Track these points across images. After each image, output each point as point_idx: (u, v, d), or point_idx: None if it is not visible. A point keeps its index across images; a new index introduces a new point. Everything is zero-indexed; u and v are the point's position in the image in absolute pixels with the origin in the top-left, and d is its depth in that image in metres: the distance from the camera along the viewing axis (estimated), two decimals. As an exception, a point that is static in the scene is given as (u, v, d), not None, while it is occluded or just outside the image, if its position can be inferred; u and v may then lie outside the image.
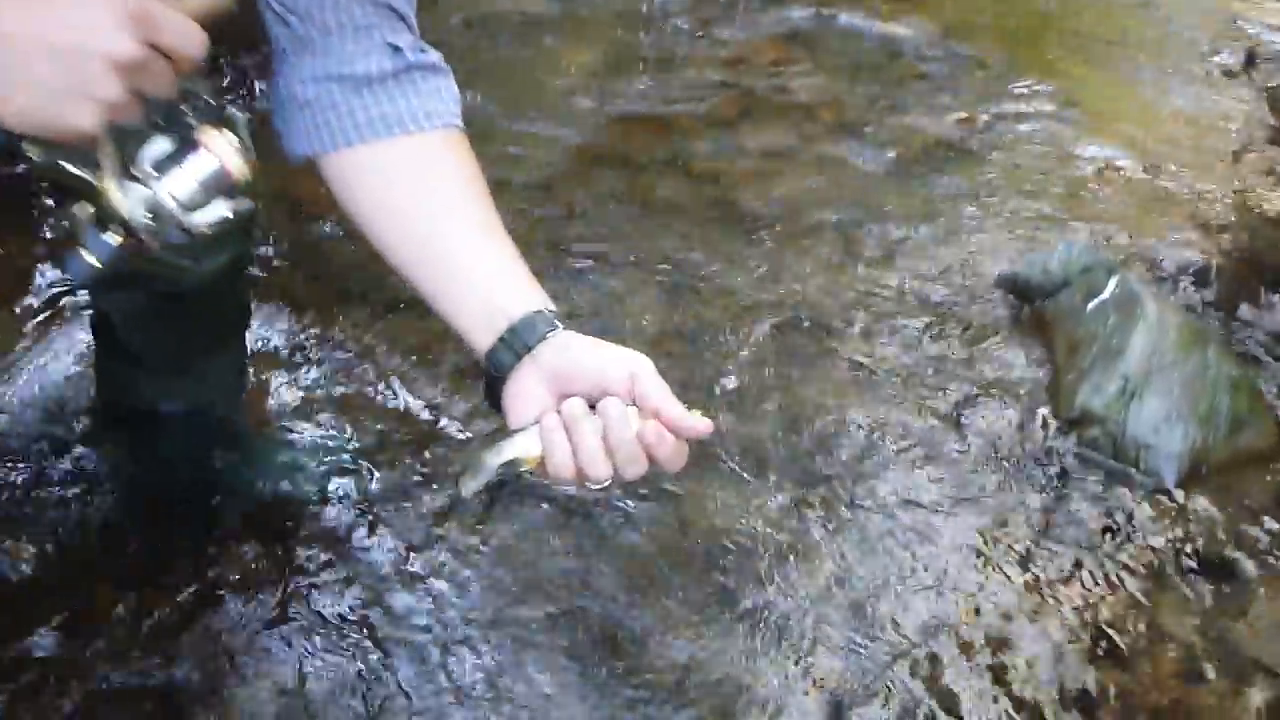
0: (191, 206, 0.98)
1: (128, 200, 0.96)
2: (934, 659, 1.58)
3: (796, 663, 1.57)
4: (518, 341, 1.00)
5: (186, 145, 0.98)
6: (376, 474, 1.81)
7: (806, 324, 2.17)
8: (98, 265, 0.97)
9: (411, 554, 1.67)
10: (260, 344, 2.02)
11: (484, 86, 2.73)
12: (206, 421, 1.77)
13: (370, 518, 1.73)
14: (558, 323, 1.01)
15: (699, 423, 0.95)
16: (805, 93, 2.97)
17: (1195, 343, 1.92)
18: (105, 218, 0.97)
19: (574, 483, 0.96)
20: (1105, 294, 2.03)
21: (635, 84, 2.91)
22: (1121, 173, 2.67)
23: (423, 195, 1.11)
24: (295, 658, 1.53)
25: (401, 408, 1.93)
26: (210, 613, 1.58)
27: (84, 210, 0.99)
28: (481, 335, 1.04)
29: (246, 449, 1.85)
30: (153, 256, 1.00)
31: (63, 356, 1.95)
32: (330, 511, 1.75)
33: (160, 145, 0.97)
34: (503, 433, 0.99)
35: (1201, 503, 1.79)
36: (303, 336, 2.08)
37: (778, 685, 1.54)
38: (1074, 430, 1.86)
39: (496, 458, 0.97)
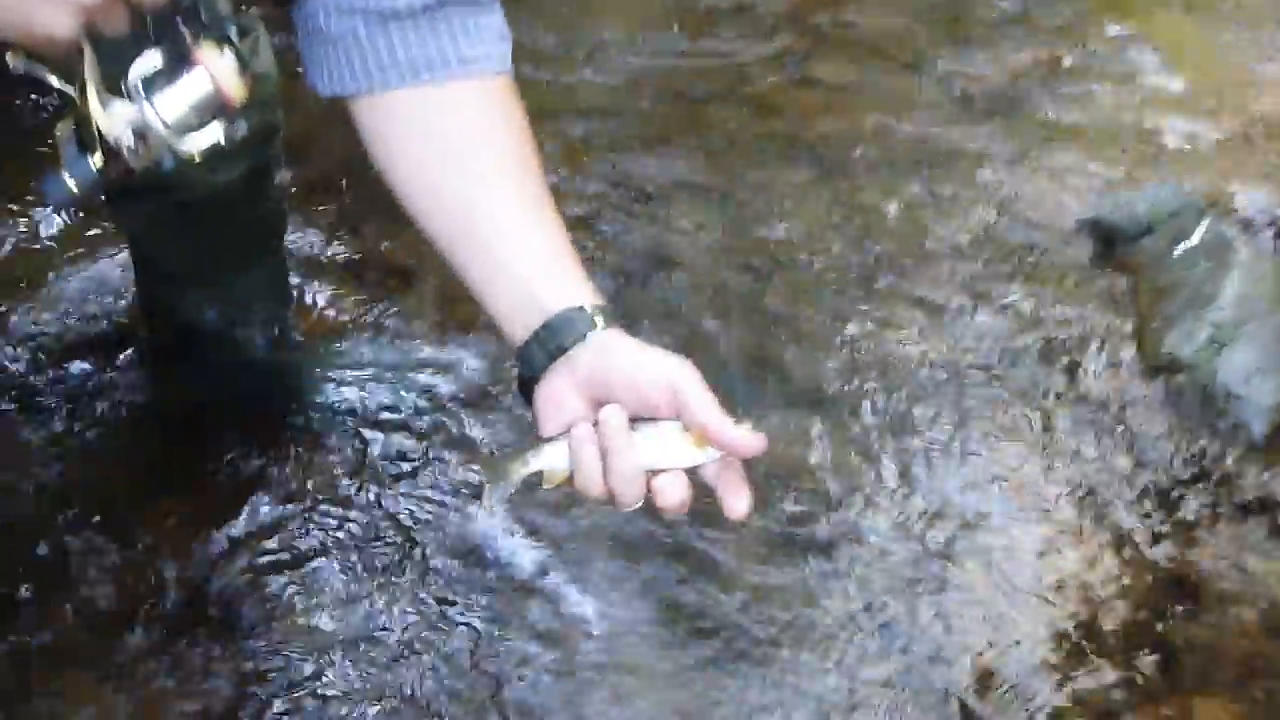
0: (182, 130, 0.88)
1: (111, 119, 0.87)
2: (1014, 603, 1.52)
3: (861, 599, 1.52)
4: (551, 341, 0.90)
5: (180, 62, 0.87)
6: (441, 395, 1.77)
7: (876, 261, 2.09)
8: (74, 190, 0.90)
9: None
10: (308, 260, 1.97)
11: (535, 14, 2.64)
12: (250, 335, 1.75)
13: (431, 439, 1.69)
14: (599, 320, 0.90)
15: (752, 439, 0.84)
16: (874, 30, 2.85)
17: (1290, 292, 1.83)
18: (87, 138, 0.89)
19: (603, 497, 0.87)
20: (1194, 239, 1.95)
21: (698, 19, 2.81)
22: (1208, 123, 2.54)
23: (457, 159, 0.98)
24: (345, 579, 1.51)
25: (460, 332, 1.88)
26: (256, 530, 1.56)
27: (66, 128, 0.91)
28: (515, 327, 0.94)
29: (296, 364, 1.82)
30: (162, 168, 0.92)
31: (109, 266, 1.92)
32: (385, 431, 1.71)
33: (150, 61, 0.87)
34: (532, 441, 0.91)
35: (1289, 458, 1.71)
36: (355, 255, 2.04)
37: (841, 615, 1.51)
38: (1159, 377, 1.78)
39: (522, 469, 0.89)
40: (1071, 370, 1.86)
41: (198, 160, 0.90)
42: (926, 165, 2.35)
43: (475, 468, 1.62)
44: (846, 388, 1.82)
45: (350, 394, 1.76)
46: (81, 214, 1.97)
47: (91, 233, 1.97)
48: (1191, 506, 1.65)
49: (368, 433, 1.70)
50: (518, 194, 0.98)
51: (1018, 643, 1.49)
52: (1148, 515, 1.65)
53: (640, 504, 0.86)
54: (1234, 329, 1.76)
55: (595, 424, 0.86)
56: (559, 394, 0.90)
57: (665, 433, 0.85)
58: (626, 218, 2.14)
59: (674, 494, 0.85)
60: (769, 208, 2.22)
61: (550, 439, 0.89)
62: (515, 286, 0.94)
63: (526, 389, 0.94)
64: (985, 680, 1.44)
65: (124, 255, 1.83)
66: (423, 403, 1.76)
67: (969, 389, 1.83)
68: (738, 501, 0.86)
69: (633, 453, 0.84)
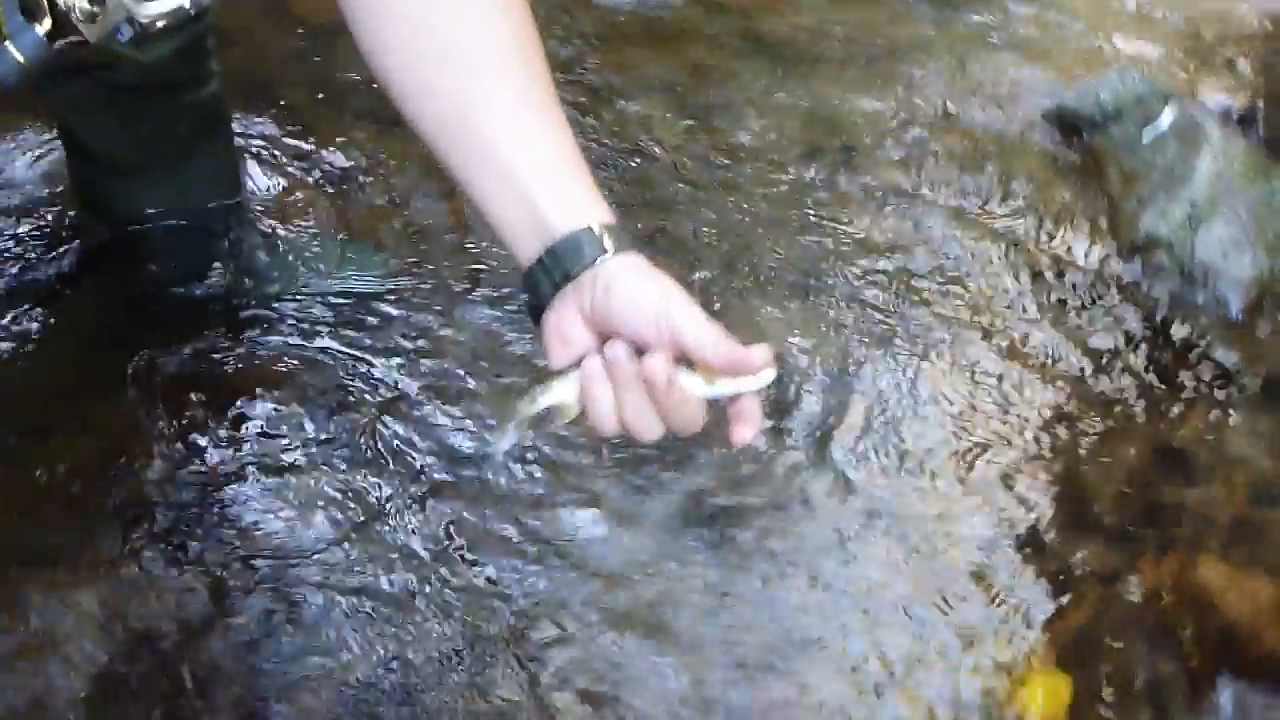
0: None
1: None
2: (1007, 482, 1.52)
3: (846, 484, 1.50)
4: (558, 268, 0.82)
5: None
6: (399, 288, 1.67)
7: (841, 152, 2.05)
8: (20, 62, 0.82)
9: (445, 377, 1.55)
10: (256, 154, 1.85)
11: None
12: (196, 229, 1.64)
13: (383, 335, 1.60)
14: (609, 245, 0.81)
15: (759, 353, 0.78)
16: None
17: (1259, 171, 1.85)
18: (33, 3, 0.81)
19: (618, 433, 0.81)
20: (1162, 124, 1.95)
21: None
22: (1164, 15, 2.56)
23: (455, 56, 0.87)
24: (309, 483, 1.42)
25: (412, 225, 1.79)
26: (215, 435, 1.46)
27: None
28: (520, 248, 0.85)
29: (249, 258, 1.70)
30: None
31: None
32: (343, 329, 1.61)
33: None
34: (538, 377, 0.84)
35: (1267, 329, 1.73)
36: (301, 154, 1.92)
37: (832, 505, 1.48)
38: (1137, 256, 1.79)
39: (530, 406, 0.82)
40: (1047, 252, 1.86)
41: (160, 27, 0.82)
42: (884, 59, 2.32)
43: (482, 405, 1.52)
44: (814, 279, 1.78)
45: (304, 298, 1.65)
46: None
47: (15, 115, 1.81)
48: (1174, 380, 1.67)
49: (325, 334, 1.60)
50: (521, 96, 0.87)
51: (1014, 518, 1.49)
52: (1132, 390, 1.66)
53: (659, 438, 0.80)
54: (1209, 206, 1.77)
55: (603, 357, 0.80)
56: (566, 325, 0.82)
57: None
58: (583, 115, 2.06)
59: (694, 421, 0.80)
60: (728, 103, 2.16)
61: (560, 373, 0.82)
62: (519, 202, 0.84)
63: (536, 316, 0.86)
64: (987, 555, 1.44)
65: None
66: (378, 305, 1.66)
67: (943, 273, 1.81)
68: (745, 429, 0.81)
69: (683, 400, 0.78)
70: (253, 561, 1.32)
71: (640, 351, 0.79)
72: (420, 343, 1.60)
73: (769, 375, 0.79)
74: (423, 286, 1.69)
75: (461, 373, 1.56)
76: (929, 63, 2.31)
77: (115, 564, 1.29)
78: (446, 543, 1.36)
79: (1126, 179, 1.93)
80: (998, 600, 1.38)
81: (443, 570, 1.33)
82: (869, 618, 1.34)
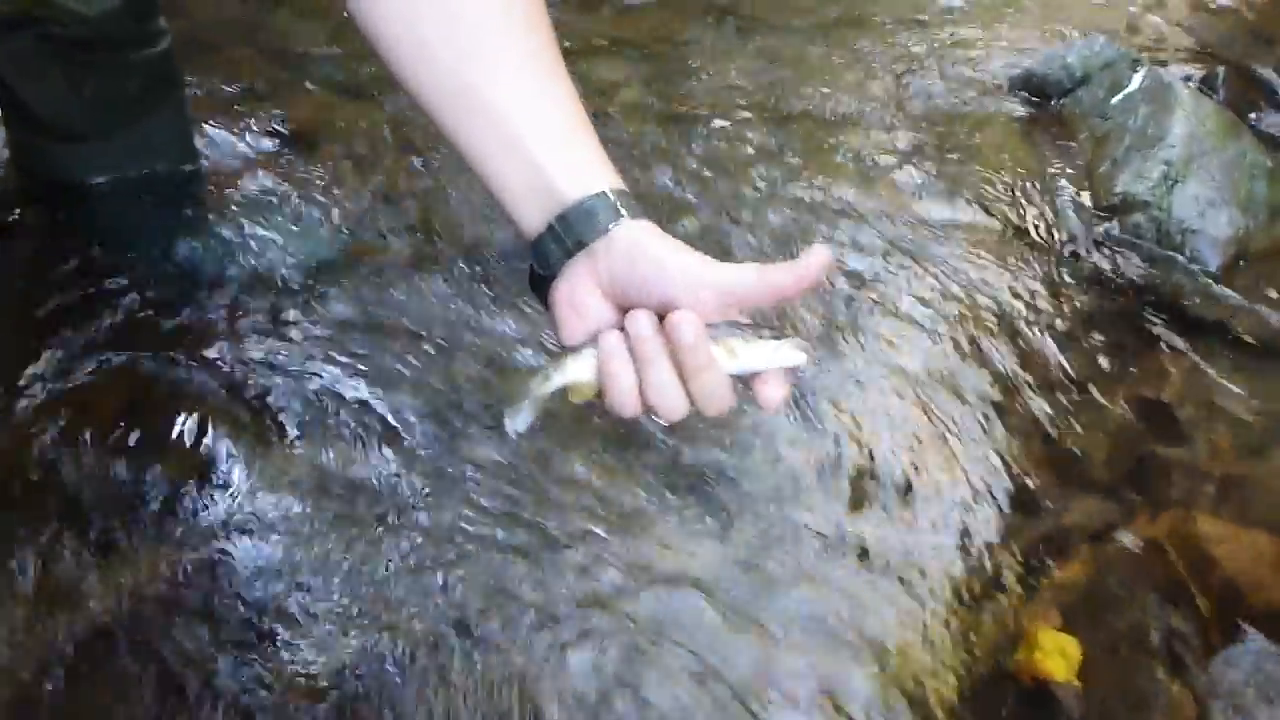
0: None
1: None
2: (990, 434, 1.49)
3: (827, 445, 1.46)
4: (570, 234, 0.77)
5: None
6: (357, 269, 1.60)
7: (804, 119, 2.02)
8: None
9: (410, 358, 1.48)
10: (201, 124, 1.76)
11: None
12: (145, 197, 1.56)
13: (350, 307, 1.53)
14: (623, 210, 0.77)
15: (819, 256, 0.74)
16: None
17: (1230, 131, 1.85)
18: None
19: (639, 414, 0.76)
20: (1132, 86, 1.95)
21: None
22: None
23: (456, 15, 0.82)
24: (275, 460, 1.34)
25: (373, 193, 1.72)
26: (170, 416, 1.37)
27: None
28: (527, 216, 0.80)
29: (202, 229, 1.62)
30: None
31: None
32: (302, 300, 1.54)
33: None
34: (552, 356, 0.78)
35: (1244, 286, 1.73)
36: (254, 119, 1.84)
37: (807, 460, 1.44)
38: (1115, 217, 1.78)
39: (544, 386, 0.77)
40: (1022, 215, 1.84)
41: None
42: (847, 27, 2.30)
43: (492, 384, 1.45)
44: (780, 249, 1.74)
45: (255, 266, 1.58)
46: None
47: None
48: (1157, 339, 1.66)
49: (281, 304, 1.53)
50: (526, 58, 0.82)
51: (1002, 479, 1.46)
52: (1115, 349, 1.64)
53: (684, 417, 0.74)
54: (1185, 165, 1.76)
55: (624, 330, 0.75)
56: (580, 296, 0.77)
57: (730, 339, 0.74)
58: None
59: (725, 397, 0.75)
60: (688, 65, 2.12)
61: (574, 349, 0.76)
62: (526, 169, 0.79)
63: (540, 287, 0.81)
64: (977, 517, 1.41)
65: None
66: (339, 279, 1.59)
67: (915, 239, 1.78)
68: (777, 390, 0.76)
69: (668, 357, 0.73)
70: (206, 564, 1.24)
71: (661, 317, 0.74)
72: (383, 319, 1.53)
73: (801, 355, 0.74)
74: (386, 258, 1.62)
75: (430, 351, 1.49)
76: (895, 31, 2.29)
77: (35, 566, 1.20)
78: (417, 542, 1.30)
79: (1098, 141, 1.92)
80: (993, 562, 1.35)
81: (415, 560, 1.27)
82: (861, 585, 1.30)
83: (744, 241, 1.75)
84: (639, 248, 0.75)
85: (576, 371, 0.75)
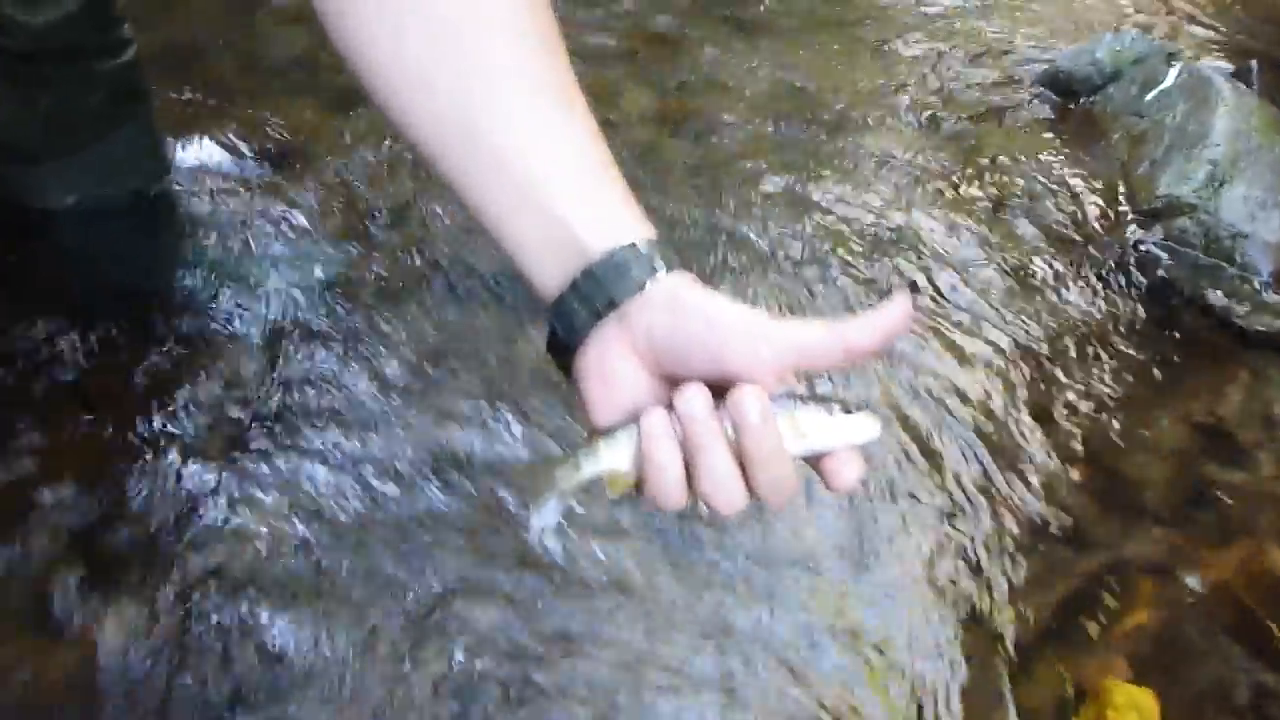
0: None
1: None
2: (1032, 459, 1.38)
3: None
4: (598, 293, 0.64)
5: None
6: (347, 294, 1.48)
7: (821, 122, 1.90)
8: None
9: (404, 387, 1.36)
10: (182, 134, 1.65)
11: None
12: (112, 219, 1.45)
13: (337, 343, 1.41)
14: (660, 264, 0.64)
15: (901, 304, 0.63)
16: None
17: (1276, 127, 1.73)
18: None
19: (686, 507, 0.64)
20: (1168, 82, 1.83)
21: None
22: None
23: (455, 37, 0.69)
24: (249, 489, 1.23)
25: (358, 210, 1.60)
26: (153, 443, 1.26)
27: None
28: (547, 273, 0.67)
29: (174, 254, 1.50)
30: None
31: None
32: (288, 337, 1.42)
33: None
34: (583, 440, 0.65)
35: (1300, 295, 1.61)
36: (235, 134, 1.72)
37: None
38: (1157, 223, 1.66)
39: (573, 478, 0.64)
40: (1057, 222, 1.72)
41: None
42: (862, 25, 2.18)
43: (519, 480, 1.29)
44: (801, 257, 1.62)
45: (239, 292, 1.46)
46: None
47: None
48: (1208, 353, 1.54)
49: (264, 336, 1.40)
50: (541, 85, 0.69)
51: (1050, 513, 1.34)
52: (1164, 364, 1.53)
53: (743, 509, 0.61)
54: (1231, 165, 1.65)
55: (670, 408, 0.62)
56: (612, 365, 0.65)
57: (800, 413, 0.61)
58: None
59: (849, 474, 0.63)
60: (699, 66, 2.00)
61: (607, 431, 0.63)
62: (542, 216, 0.66)
63: (562, 356, 0.67)
64: (1025, 555, 1.29)
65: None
66: (324, 304, 1.47)
67: (941, 245, 1.67)
68: (851, 470, 0.63)
69: (724, 440, 0.60)
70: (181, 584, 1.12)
71: (717, 393, 0.61)
72: (372, 347, 1.41)
73: (877, 427, 0.62)
74: (372, 280, 1.50)
75: (427, 376, 1.38)
76: (912, 29, 2.18)
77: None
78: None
79: (1134, 141, 1.80)
80: (1046, 604, 1.23)
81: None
82: (894, 631, 1.18)
83: (757, 252, 1.63)
84: (680, 303, 0.63)
85: (612, 460, 0.62)
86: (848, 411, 0.61)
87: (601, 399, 0.64)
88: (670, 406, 0.61)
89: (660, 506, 0.61)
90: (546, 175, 0.66)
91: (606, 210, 0.66)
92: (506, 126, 0.67)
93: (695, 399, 0.60)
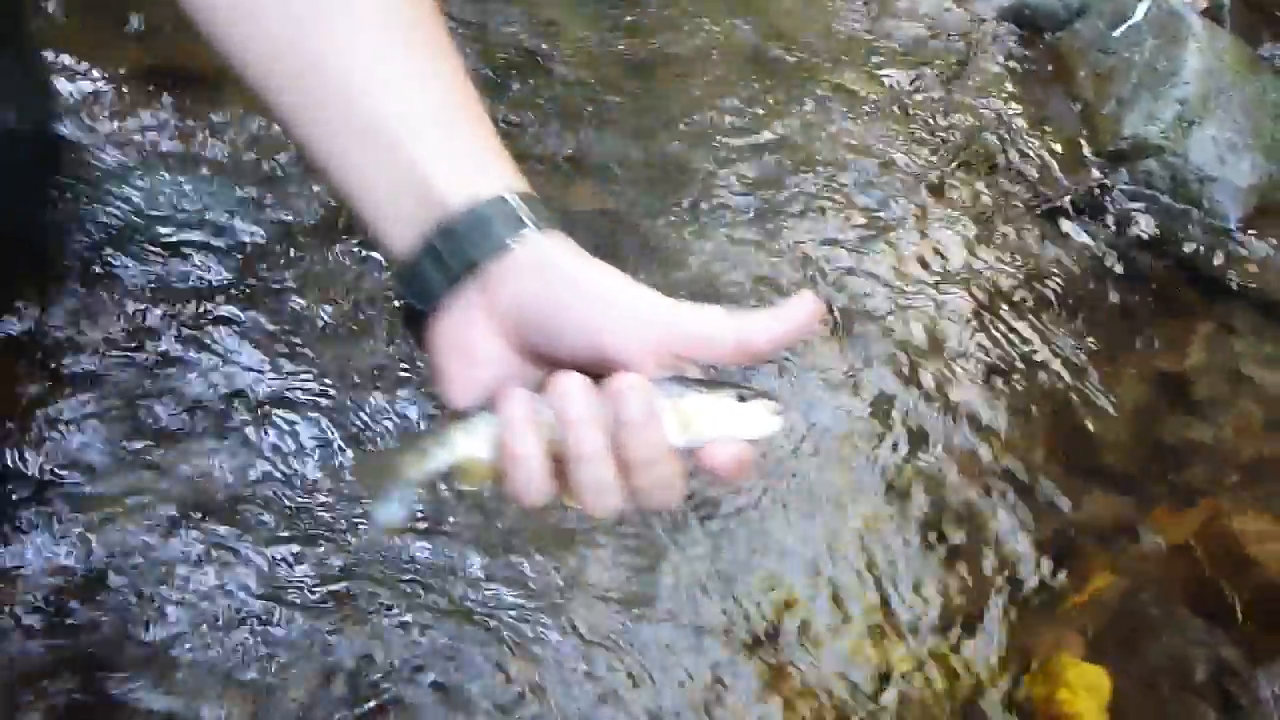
0: None
1: None
2: (987, 416, 1.31)
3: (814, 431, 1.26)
4: (455, 254, 0.55)
5: None
6: (258, 237, 1.37)
7: (785, 58, 1.79)
8: None
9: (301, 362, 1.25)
10: (76, 68, 1.51)
11: None
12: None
13: (233, 294, 1.30)
14: (529, 219, 0.55)
15: (806, 303, 0.54)
16: None
17: (1249, 66, 1.65)
18: None
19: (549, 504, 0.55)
20: (1137, 16, 1.73)
21: None
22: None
23: None
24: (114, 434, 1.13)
25: (264, 149, 1.48)
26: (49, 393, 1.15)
27: None
28: (397, 231, 0.57)
29: (60, 197, 1.38)
30: None
31: None
32: (182, 282, 1.30)
33: None
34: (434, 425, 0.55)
35: (1269, 241, 1.54)
36: (143, 62, 1.58)
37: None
38: (1123, 164, 1.57)
39: (420, 467, 0.54)
40: (1018, 164, 1.63)
41: None
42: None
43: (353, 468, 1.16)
44: (761, 200, 1.52)
45: (137, 232, 1.34)
46: None
47: None
48: (1173, 302, 1.47)
49: (156, 280, 1.29)
50: (394, 21, 0.59)
51: (1005, 475, 1.27)
52: (1126, 314, 1.45)
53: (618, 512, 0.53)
54: (1200, 106, 1.56)
55: (539, 389, 0.53)
56: (470, 339, 0.55)
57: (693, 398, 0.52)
58: (484, 15, 1.76)
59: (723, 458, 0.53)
60: (641, 4, 1.88)
61: (462, 416, 0.54)
62: (392, 164, 0.56)
63: (417, 326, 0.57)
64: (980, 524, 1.22)
65: None
66: (229, 247, 1.35)
67: (894, 190, 1.57)
68: (736, 456, 0.53)
69: (602, 430, 0.51)
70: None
71: (595, 376, 0.52)
72: (288, 301, 1.30)
73: (777, 421, 0.53)
74: (278, 226, 1.39)
75: (326, 354, 1.27)
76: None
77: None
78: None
79: (1100, 79, 1.71)
80: (997, 573, 1.16)
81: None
82: (832, 600, 1.11)
83: (716, 195, 1.53)
84: (553, 269, 0.53)
85: (467, 447, 0.53)
86: (742, 399, 0.52)
87: (459, 377, 0.54)
88: (539, 388, 0.51)
89: (520, 501, 0.52)
90: (399, 112, 0.56)
91: (469, 158, 0.56)
92: (352, 54, 0.57)
93: (570, 393, 0.50)
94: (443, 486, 1.06)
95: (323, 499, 1.09)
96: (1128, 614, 1.07)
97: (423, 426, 1.18)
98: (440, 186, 0.55)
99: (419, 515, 1.08)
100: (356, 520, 1.07)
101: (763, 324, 0.52)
